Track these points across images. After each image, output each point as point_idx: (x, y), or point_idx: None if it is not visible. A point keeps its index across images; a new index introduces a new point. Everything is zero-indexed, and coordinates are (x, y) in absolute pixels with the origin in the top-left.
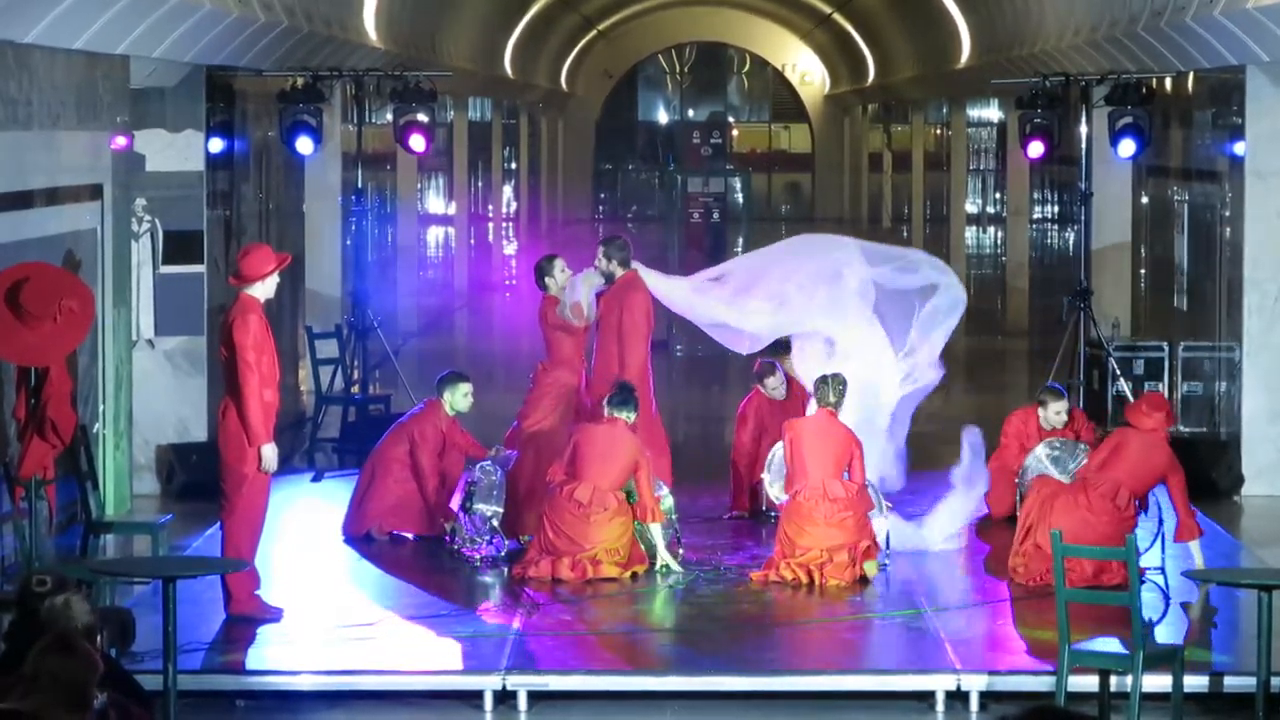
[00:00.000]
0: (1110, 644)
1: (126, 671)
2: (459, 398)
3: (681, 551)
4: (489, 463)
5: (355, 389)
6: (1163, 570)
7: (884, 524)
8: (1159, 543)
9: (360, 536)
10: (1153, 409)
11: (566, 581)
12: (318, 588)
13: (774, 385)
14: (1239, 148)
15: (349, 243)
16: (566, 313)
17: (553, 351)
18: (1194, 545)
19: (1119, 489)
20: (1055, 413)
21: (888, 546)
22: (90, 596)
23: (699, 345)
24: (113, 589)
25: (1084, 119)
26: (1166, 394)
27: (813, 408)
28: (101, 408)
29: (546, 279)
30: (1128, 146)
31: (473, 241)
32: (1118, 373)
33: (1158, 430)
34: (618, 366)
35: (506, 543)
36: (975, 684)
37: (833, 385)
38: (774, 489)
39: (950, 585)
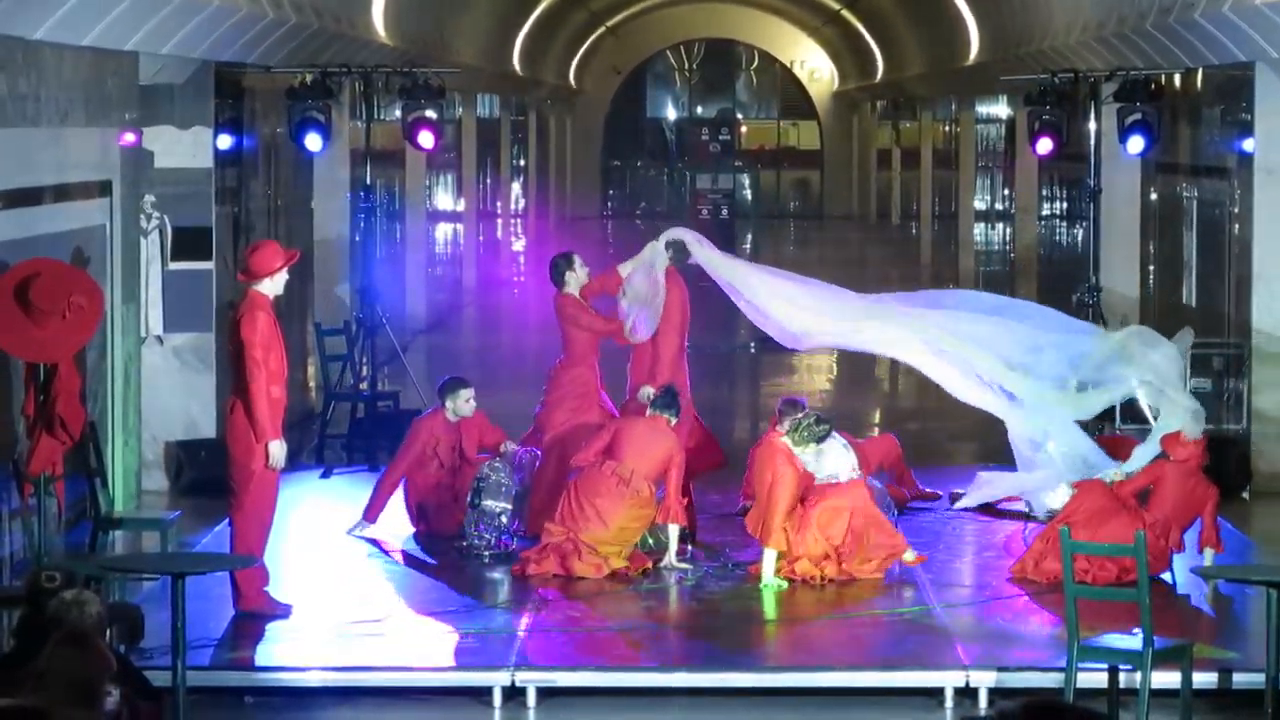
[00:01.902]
0: (1120, 640)
1: (135, 668)
2: (460, 403)
3: (690, 548)
4: (497, 459)
5: (364, 385)
6: (1171, 569)
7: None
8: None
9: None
10: (1184, 436)
11: (584, 579)
12: (326, 584)
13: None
14: (1248, 144)
15: (357, 239)
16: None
17: (569, 349)
18: (1208, 553)
19: (1170, 528)
20: None
21: None
22: (99, 593)
23: (709, 341)
24: (121, 585)
25: (1093, 115)
26: None
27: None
28: (110, 404)
29: (566, 274)
30: (1136, 143)
31: (481, 238)
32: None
33: (1191, 461)
34: (650, 360)
35: (515, 539)
36: (984, 680)
37: (801, 423)
38: None
39: (959, 581)
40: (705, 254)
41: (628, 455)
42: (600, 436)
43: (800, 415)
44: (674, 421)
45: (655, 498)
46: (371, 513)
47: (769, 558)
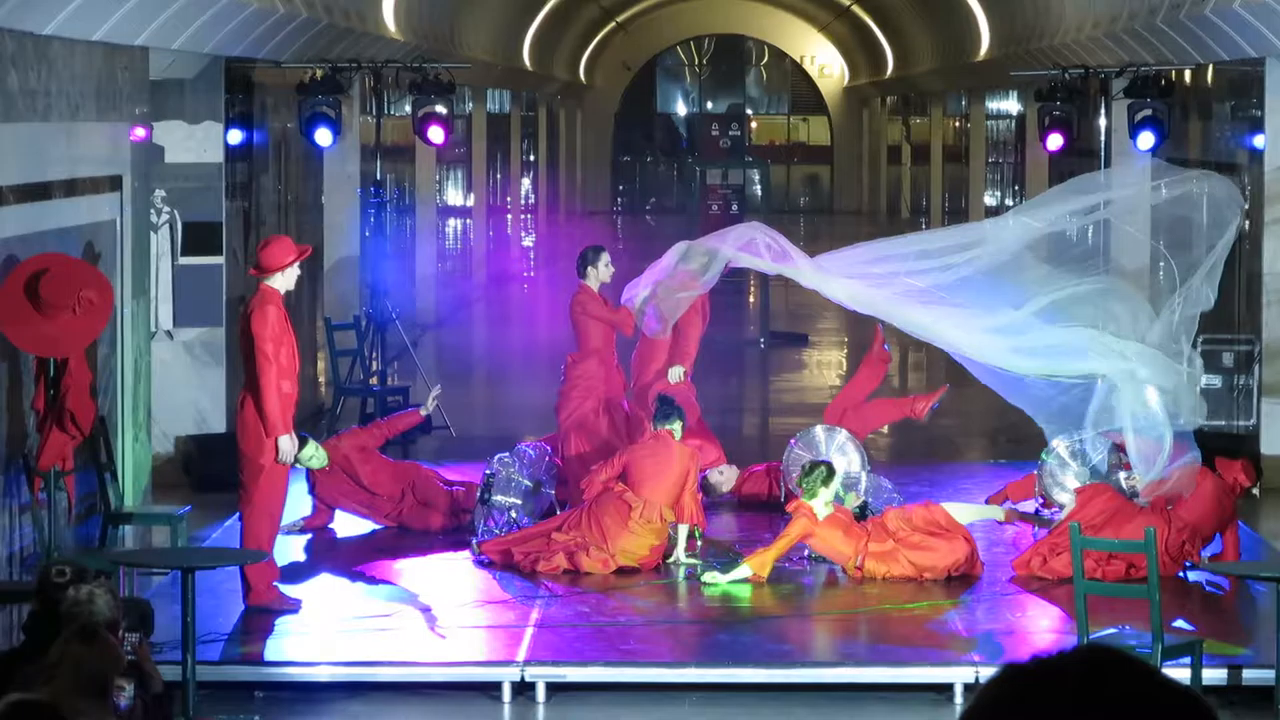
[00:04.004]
0: (1129, 636)
1: (150, 662)
2: (306, 460)
3: (699, 544)
4: (507, 454)
5: (374, 380)
6: (1185, 569)
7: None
8: None
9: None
10: (1244, 470)
11: (592, 574)
12: (336, 579)
13: None
14: (1258, 140)
15: (367, 234)
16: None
17: (582, 341)
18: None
19: (1195, 534)
20: None
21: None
22: (112, 588)
23: (718, 335)
24: (131, 579)
25: (1103, 111)
26: None
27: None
28: (120, 399)
29: (589, 268)
30: (1147, 139)
31: (491, 233)
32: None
33: (1236, 486)
34: (675, 343)
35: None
36: None
37: (803, 481)
38: (794, 480)
39: (968, 577)
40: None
41: (643, 488)
42: (610, 465)
43: (798, 475)
44: (680, 431)
45: (669, 526)
46: (307, 526)
47: (740, 572)
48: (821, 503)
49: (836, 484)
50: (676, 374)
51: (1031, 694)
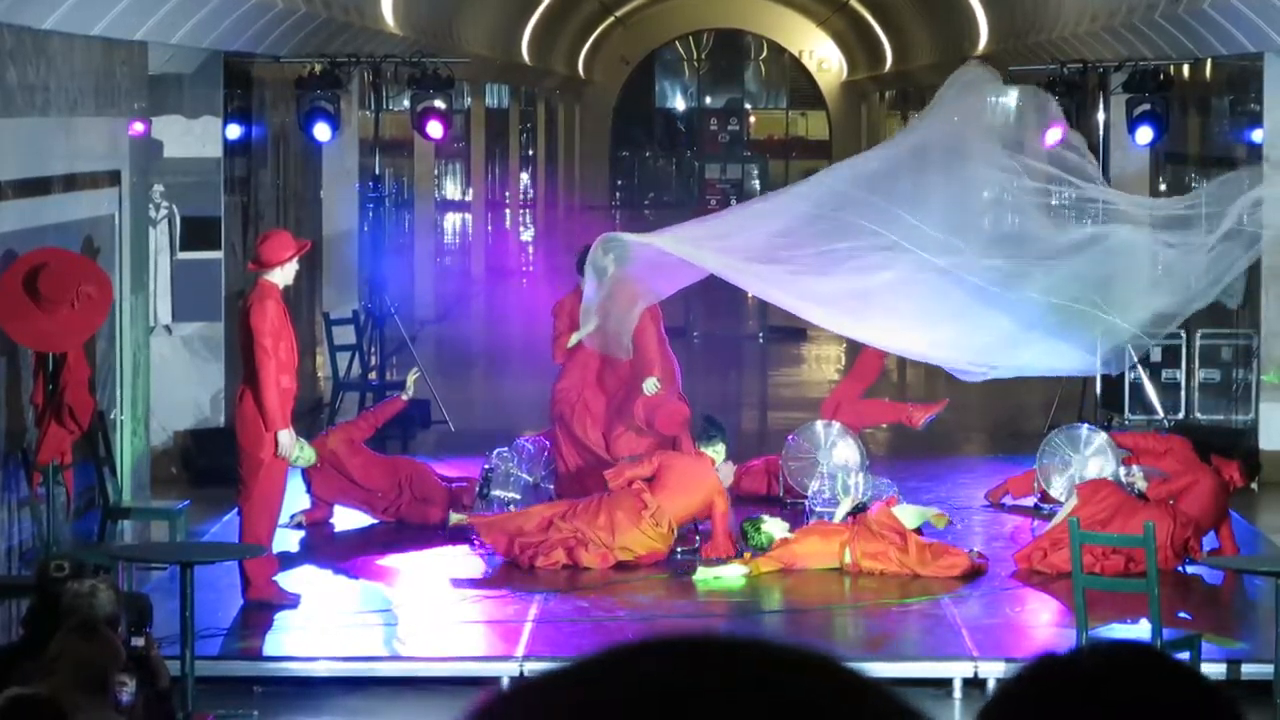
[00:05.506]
0: (1127, 630)
1: (151, 658)
2: (293, 458)
3: (698, 538)
4: (506, 450)
5: (372, 375)
6: (1184, 563)
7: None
8: None
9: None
10: (1239, 470)
11: (592, 569)
12: (335, 574)
13: None
14: (1257, 135)
15: (366, 229)
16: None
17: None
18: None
19: (1199, 530)
20: None
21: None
22: (113, 584)
23: (716, 329)
24: (130, 574)
25: (1102, 106)
26: (1184, 381)
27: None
28: (119, 393)
29: (586, 266)
30: (1145, 134)
31: (490, 228)
32: (1135, 360)
33: (1232, 485)
34: (644, 369)
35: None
36: (992, 671)
37: (749, 542)
38: (792, 474)
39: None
40: (645, 240)
41: (662, 493)
42: (645, 464)
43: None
44: (722, 456)
45: (674, 534)
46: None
47: (733, 570)
48: (779, 532)
49: (771, 520)
50: (650, 385)
51: (1046, 693)
